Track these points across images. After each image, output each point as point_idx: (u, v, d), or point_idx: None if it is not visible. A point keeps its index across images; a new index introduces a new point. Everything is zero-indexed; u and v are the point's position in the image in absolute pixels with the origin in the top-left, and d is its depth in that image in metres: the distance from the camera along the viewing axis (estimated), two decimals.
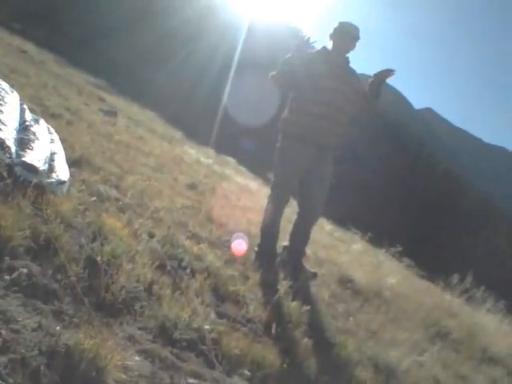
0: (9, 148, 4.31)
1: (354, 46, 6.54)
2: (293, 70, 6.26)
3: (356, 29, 6.49)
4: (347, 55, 6.59)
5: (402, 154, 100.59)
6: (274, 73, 6.41)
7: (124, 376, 2.57)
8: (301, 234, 6.64)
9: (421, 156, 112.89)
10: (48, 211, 3.99)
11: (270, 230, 6.52)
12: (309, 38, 65.13)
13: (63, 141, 6.41)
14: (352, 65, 6.68)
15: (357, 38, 6.50)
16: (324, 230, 13.24)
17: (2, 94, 5.47)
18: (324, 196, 6.59)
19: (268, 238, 6.48)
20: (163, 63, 56.54)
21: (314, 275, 6.40)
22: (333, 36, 6.51)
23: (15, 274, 2.86)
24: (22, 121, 5.42)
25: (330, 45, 6.57)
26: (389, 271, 10.09)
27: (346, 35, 6.45)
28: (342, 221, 19.02)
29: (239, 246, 5.96)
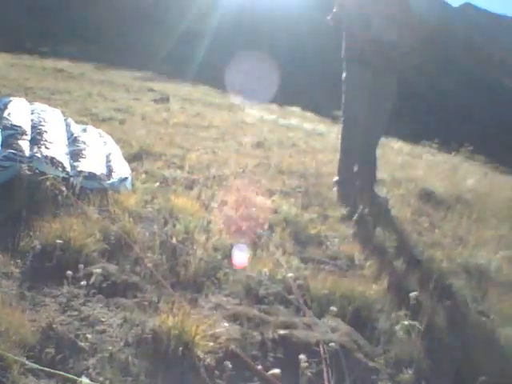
0: (61, 163, 4.38)
1: None
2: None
3: None
4: None
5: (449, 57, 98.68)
6: (329, 17, 6.59)
7: (212, 344, 2.61)
8: (364, 158, 6.46)
9: (472, 52, 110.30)
10: (115, 210, 4.07)
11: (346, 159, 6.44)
12: None
13: (119, 140, 6.51)
14: None
15: None
16: (393, 149, 13.08)
17: (43, 115, 5.55)
18: (383, 118, 6.50)
19: (345, 166, 6.40)
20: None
21: (386, 200, 6.29)
22: None
23: (92, 279, 2.92)
24: (70, 134, 5.50)
25: None
26: (465, 173, 9.96)
27: None
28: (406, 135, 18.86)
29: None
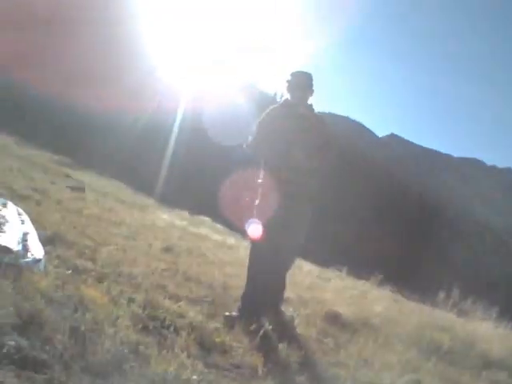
0: None
1: (312, 91, 6.65)
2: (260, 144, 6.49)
3: (309, 77, 6.66)
4: (309, 102, 6.67)
5: (372, 184, 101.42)
6: (245, 145, 6.63)
7: None
8: (274, 277, 6.40)
9: (391, 184, 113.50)
10: (28, 288, 4.09)
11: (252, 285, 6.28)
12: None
13: (34, 221, 6.50)
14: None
15: (311, 85, 6.64)
16: (303, 271, 13.26)
17: None
18: (297, 245, 6.63)
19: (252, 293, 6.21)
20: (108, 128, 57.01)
21: (292, 318, 6.41)
22: (289, 88, 6.61)
23: (5, 349, 2.96)
24: None
25: (289, 96, 6.67)
26: (374, 300, 10.12)
27: (302, 85, 6.59)
28: (318, 259, 19.15)
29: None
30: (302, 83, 6.61)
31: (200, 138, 57.90)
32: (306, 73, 6.72)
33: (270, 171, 6.44)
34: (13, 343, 3.02)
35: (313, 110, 6.71)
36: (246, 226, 6.36)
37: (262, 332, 5.16)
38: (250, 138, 6.57)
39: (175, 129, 58.73)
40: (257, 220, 6.14)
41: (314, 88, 6.66)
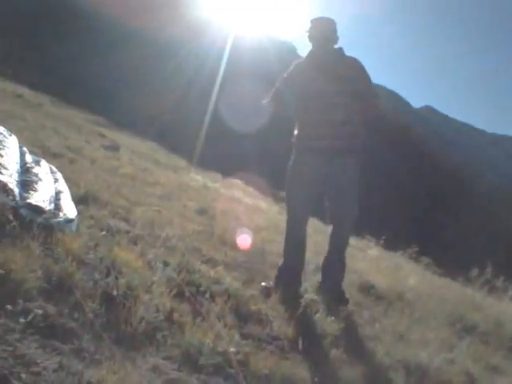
0: (12, 191, 4.27)
1: (336, 38, 6.09)
2: (282, 94, 6.12)
3: (331, 22, 6.12)
4: (336, 47, 6.12)
5: (406, 156, 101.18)
6: (267, 100, 6.24)
7: None
8: (331, 258, 5.98)
9: (424, 155, 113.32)
10: (58, 250, 3.95)
11: (290, 257, 5.90)
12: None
13: (67, 179, 6.38)
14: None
15: (335, 31, 6.10)
16: None
17: (1, 137, 5.44)
18: (349, 208, 5.94)
19: (290, 265, 5.86)
20: (150, 85, 57.16)
21: (347, 301, 5.97)
22: (311, 38, 6.08)
23: (30, 317, 2.82)
24: (23, 163, 5.40)
25: (312, 47, 6.14)
26: (408, 273, 10.03)
27: (325, 32, 6.03)
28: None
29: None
30: (325, 30, 6.05)
31: (236, 97, 57.90)
32: (327, 18, 6.17)
33: (300, 127, 6.09)
34: (39, 311, 2.86)
35: (343, 54, 6.13)
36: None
37: (300, 303, 5.00)
38: (273, 94, 6.18)
39: (215, 90, 58.65)
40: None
41: (338, 34, 6.12)
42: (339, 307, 5.50)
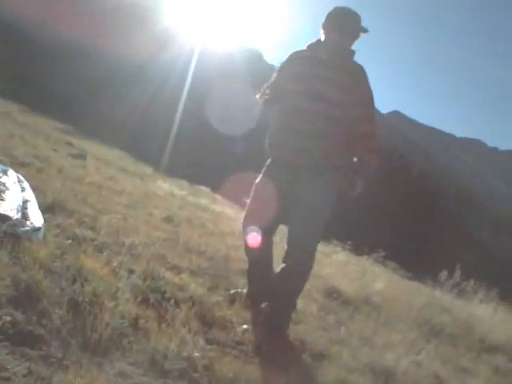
0: None
1: (355, 36, 5.14)
2: (276, 86, 5.25)
3: (353, 16, 5.12)
4: (351, 48, 5.19)
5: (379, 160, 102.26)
6: (259, 95, 5.34)
7: None
8: (284, 278, 5.05)
9: (392, 160, 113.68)
10: (26, 258, 3.97)
11: (253, 270, 5.41)
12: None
13: (35, 188, 6.38)
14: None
15: (354, 27, 5.12)
16: None
17: None
18: (315, 228, 5.05)
19: (253, 279, 5.40)
20: (116, 95, 57.08)
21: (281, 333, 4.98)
22: (324, 27, 5.16)
23: (0, 323, 2.85)
24: None
25: (321, 37, 5.20)
26: (375, 277, 10.16)
27: (340, 25, 5.06)
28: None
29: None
30: (341, 22, 5.07)
31: (201, 107, 57.89)
32: (350, 10, 5.11)
33: (272, 135, 5.28)
34: (8, 318, 2.90)
35: (349, 57, 5.20)
36: (244, 230, 5.36)
37: (264, 308, 5.00)
38: (266, 90, 5.31)
39: (182, 98, 58.55)
40: (255, 227, 5.36)
41: (359, 33, 5.13)
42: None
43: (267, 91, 5.30)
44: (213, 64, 65.19)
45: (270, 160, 5.31)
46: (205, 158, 58.87)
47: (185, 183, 24.80)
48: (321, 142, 4.97)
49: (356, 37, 5.13)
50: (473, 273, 11.99)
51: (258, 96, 5.37)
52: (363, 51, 5.31)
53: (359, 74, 5.14)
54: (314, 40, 5.29)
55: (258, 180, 5.28)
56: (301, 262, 5.00)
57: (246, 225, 5.30)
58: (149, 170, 23.57)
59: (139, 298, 4.08)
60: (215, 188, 27.74)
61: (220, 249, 7.49)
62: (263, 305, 4.92)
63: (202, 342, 3.87)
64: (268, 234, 5.30)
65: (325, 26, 5.14)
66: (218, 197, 24.91)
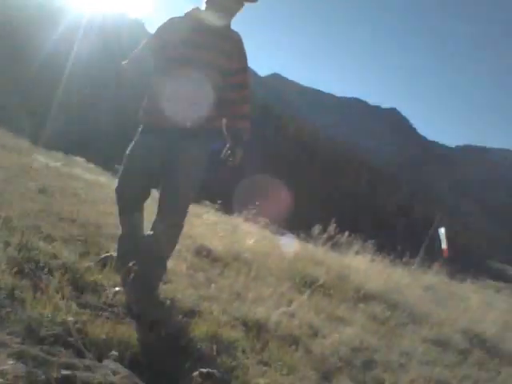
0: None
1: (238, 5, 4.91)
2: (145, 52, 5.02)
3: None
4: (229, 21, 4.98)
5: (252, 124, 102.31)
6: (126, 61, 5.02)
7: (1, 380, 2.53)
8: (154, 240, 4.94)
9: (269, 120, 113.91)
10: None
11: (125, 234, 5.29)
12: None
13: None
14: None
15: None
16: None
17: None
18: (186, 189, 4.94)
19: (125, 242, 5.27)
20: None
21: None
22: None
23: None
24: None
25: (202, 5, 4.98)
26: (245, 234, 10.00)
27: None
28: None
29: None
30: None
31: (87, 77, 56.63)
32: None
33: (146, 99, 5.09)
34: None
35: (227, 24, 5.01)
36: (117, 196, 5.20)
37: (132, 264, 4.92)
38: (134, 54, 5.08)
39: (68, 67, 56.84)
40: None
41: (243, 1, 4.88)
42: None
43: (136, 56, 5.07)
44: (99, 35, 63.69)
45: (142, 126, 5.10)
46: (83, 130, 57.72)
47: (60, 155, 24.31)
48: (194, 105, 4.81)
49: (238, 5, 4.92)
50: (348, 226, 11.98)
51: (124, 62, 5.04)
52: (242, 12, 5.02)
53: (237, 40, 5.00)
54: (192, 7, 5.07)
55: (130, 147, 5.07)
56: (171, 224, 4.89)
57: (118, 192, 5.17)
58: (26, 144, 22.90)
59: (15, 269, 4.00)
60: (89, 158, 27.35)
61: (91, 216, 7.37)
62: (131, 263, 4.75)
63: (74, 306, 3.81)
64: (140, 198, 5.20)
65: None
66: (92, 166, 24.58)
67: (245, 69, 5.08)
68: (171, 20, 5.05)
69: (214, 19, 4.86)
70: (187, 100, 4.81)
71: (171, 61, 4.88)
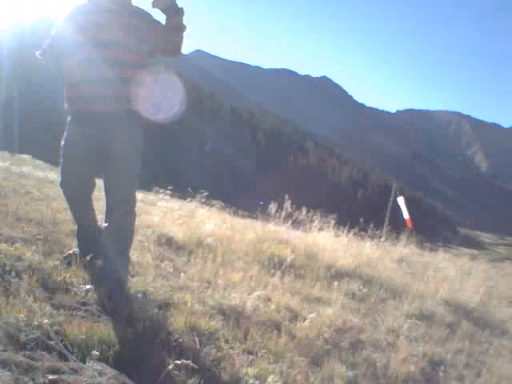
0: None
1: None
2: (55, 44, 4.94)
3: None
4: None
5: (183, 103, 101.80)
6: (40, 51, 5.00)
7: None
8: (111, 233, 4.96)
9: (202, 101, 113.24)
10: None
11: (81, 229, 5.40)
12: None
13: None
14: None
15: None
16: None
17: None
18: (129, 175, 4.98)
19: (83, 238, 5.39)
20: None
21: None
22: None
23: None
24: None
25: None
26: (204, 219, 9.95)
27: None
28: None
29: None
30: None
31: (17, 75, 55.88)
32: None
33: (67, 88, 4.98)
34: None
35: (129, 2, 5.03)
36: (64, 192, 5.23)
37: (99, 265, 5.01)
38: (47, 44, 5.02)
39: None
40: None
41: None
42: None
43: (48, 46, 5.01)
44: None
45: (70, 116, 5.07)
46: (22, 128, 56.98)
47: (6, 154, 23.99)
48: (116, 86, 4.79)
49: None
50: (304, 202, 11.88)
51: (38, 53, 5.02)
52: None
53: (143, 14, 4.98)
54: None
55: (63, 139, 5.06)
56: (122, 214, 4.91)
57: (63, 186, 5.21)
58: None
59: None
60: (36, 155, 27.07)
61: (47, 214, 7.31)
62: (89, 256, 4.90)
63: (48, 308, 3.84)
64: (85, 189, 5.23)
65: None
66: (40, 162, 24.31)
67: (156, 26, 5.00)
68: (78, 6, 4.99)
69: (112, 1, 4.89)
70: (109, 82, 4.77)
71: (83, 44, 4.79)
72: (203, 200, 12.75)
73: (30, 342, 3.23)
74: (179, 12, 4.92)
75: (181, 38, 5.06)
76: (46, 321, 3.44)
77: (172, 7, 4.90)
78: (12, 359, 2.92)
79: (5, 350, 3.06)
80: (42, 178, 14.37)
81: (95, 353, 3.17)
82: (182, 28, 4.99)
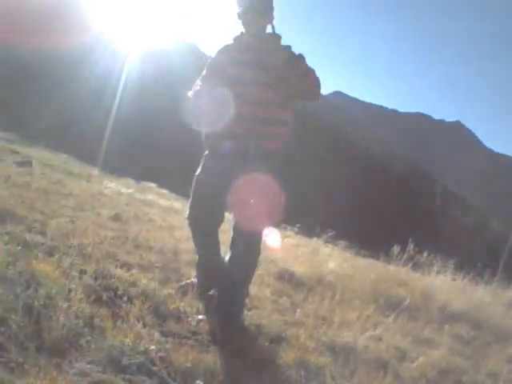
0: None
1: (272, 16, 4.91)
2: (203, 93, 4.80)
3: None
4: (268, 30, 4.97)
5: (315, 144, 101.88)
6: (191, 94, 4.92)
7: None
8: (233, 265, 4.87)
9: (339, 141, 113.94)
10: None
11: (202, 260, 5.35)
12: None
13: None
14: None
15: (270, 6, 4.88)
16: None
17: None
18: (261, 208, 4.77)
19: (203, 269, 5.34)
20: (58, 99, 56.38)
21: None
22: (241, 14, 4.94)
23: None
24: None
25: (242, 28, 5.03)
26: (327, 257, 9.97)
27: (258, 7, 4.84)
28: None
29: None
30: (258, 4, 4.85)
31: (144, 102, 57.58)
32: None
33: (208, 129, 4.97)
34: None
35: (278, 39, 5.02)
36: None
37: (212, 292, 5.02)
38: (197, 84, 5.01)
39: (119, 92, 57.84)
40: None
41: (271, 12, 4.91)
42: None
43: (199, 84, 4.97)
44: (149, 61, 64.79)
45: (208, 151, 5.08)
46: (150, 156, 58.54)
47: (131, 181, 24.65)
48: (260, 124, 4.77)
49: (272, 17, 4.91)
50: (425, 246, 11.80)
51: (189, 93, 4.94)
52: (304, 34, 5.07)
53: (289, 54, 4.76)
54: (238, 32, 5.06)
55: (197, 171, 5.09)
56: (247, 247, 4.80)
57: (191, 218, 5.17)
58: (94, 171, 23.32)
59: (92, 298, 4.04)
60: (162, 184, 27.67)
61: (168, 242, 7.42)
62: (211, 291, 4.91)
63: (157, 335, 3.83)
64: (213, 223, 5.19)
65: (241, 14, 4.93)
66: (165, 191, 24.82)
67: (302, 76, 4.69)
68: (223, 48, 5.07)
69: (251, 39, 4.95)
70: (251, 120, 4.76)
71: (234, 82, 4.81)
72: (329, 239, 12.72)
73: (132, 366, 3.21)
74: (300, 58, 4.67)
75: (313, 81, 4.82)
76: (152, 347, 3.42)
77: (291, 59, 4.68)
78: (109, 381, 2.91)
79: (103, 372, 3.05)
80: (166, 207, 14.64)
81: (199, 382, 3.12)
82: (310, 72, 4.74)
